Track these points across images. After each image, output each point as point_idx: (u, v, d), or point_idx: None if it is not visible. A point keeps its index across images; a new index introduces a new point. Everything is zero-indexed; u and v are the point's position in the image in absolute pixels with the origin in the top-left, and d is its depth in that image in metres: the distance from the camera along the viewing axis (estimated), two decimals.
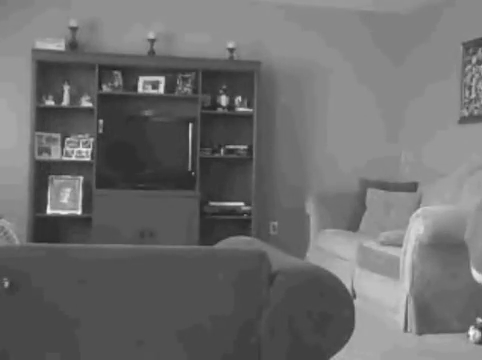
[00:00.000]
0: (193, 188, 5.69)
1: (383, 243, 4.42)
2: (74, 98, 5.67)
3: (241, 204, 5.90)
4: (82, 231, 5.63)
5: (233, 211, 5.86)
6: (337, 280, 1.97)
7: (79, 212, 5.60)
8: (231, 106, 5.88)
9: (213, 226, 5.80)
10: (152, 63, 5.76)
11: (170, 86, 5.77)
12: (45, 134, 5.63)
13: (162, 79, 5.73)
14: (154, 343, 1.83)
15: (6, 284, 1.74)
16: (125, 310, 1.83)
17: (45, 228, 5.59)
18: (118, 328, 1.83)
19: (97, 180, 5.55)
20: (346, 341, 1.97)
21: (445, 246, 3.84)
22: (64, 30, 5.61)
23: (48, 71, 5.62)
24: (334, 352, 1.97)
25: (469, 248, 3.39)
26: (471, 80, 5.29)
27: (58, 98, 5.62)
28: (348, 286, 4.54)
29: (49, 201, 5.59)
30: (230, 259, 1.91)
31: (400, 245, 4.01)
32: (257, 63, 5.81)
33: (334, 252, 5.12)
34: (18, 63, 5.62)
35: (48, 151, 5.63)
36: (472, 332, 3.60)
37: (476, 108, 5.22)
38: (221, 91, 5.86)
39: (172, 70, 5.78)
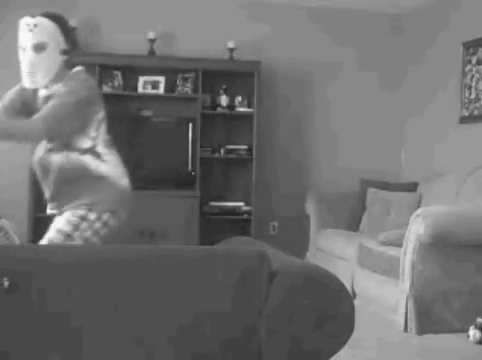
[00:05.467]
0: (193, 188, 5.69)
1: (383, 243, 4.42)
2: None
3: (241, 204, 5.90)
4: None
5: (233, 211, 5.86)
6: (337, 280, 1.97)
7: None
8: (231, 106, 5.88)
9: (213, 226, 5.80)
10: (152, 63, 5.76)
11: (170, 86, 5.77)
12: None
13: (162, 79, 5.73)
14: (154, 342, 1.83)
15: (6, 284, 1.74)
16: (125, 309, 1.83)
17: (45, 228, 5.55)
18: (118, 327, 1.83)
19: None
20: (346, 341, 1.97)
21: (445, 246, 3.84)
22: None
23: None
24: (334, 352, 1.97)
25: None
26: (471, 80, 5.29)
27: None
28: (348, 286, 4.53)
29: None
30: (230, 259, 1.91)
31: (400, 245, 4.01)
32: (257, 63, 5.80)
33: (334, 252, 5.12)
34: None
35: None
36: (472, 332, 3.60)
37: (476, 108, 5.22)
38: (221, 91, 5.86)
39: (172, 70, 5.78)
